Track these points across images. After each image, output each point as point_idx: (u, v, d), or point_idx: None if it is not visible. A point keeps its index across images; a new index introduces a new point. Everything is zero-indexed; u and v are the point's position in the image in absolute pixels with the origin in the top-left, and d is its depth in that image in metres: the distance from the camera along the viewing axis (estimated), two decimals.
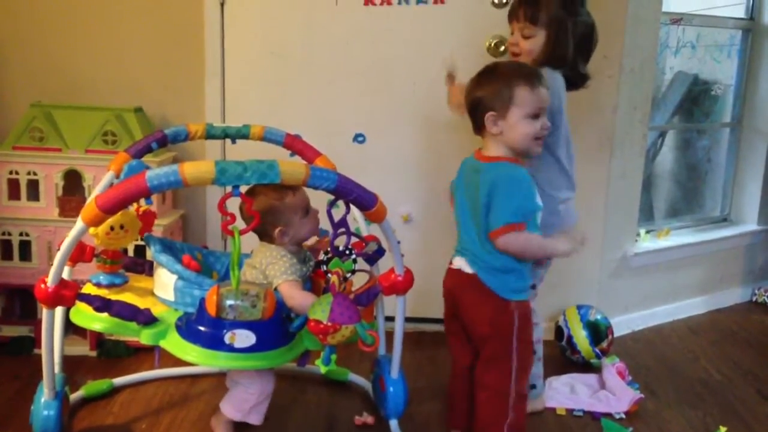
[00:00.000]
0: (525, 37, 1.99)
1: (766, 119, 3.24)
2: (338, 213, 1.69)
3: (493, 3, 2.56)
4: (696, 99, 3.45)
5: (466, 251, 1.81)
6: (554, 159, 1.99)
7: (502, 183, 1.71)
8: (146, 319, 1.69)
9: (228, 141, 2.20)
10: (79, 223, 1.56)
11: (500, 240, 1.71)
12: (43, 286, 1.65)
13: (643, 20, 2.62)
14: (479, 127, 1.79)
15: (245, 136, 2.17)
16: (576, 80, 2.04)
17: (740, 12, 3.25)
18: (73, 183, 2.44)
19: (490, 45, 2.58)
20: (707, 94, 3.45)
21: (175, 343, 1.65)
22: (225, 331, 1.58)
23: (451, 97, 2.19)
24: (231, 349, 1.58)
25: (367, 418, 2.11)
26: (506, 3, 2.51)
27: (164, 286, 1.81)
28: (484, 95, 1.75)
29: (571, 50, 1.98)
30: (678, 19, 3.04)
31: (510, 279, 1.77)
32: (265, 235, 1.87)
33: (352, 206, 1.67)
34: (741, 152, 3.34)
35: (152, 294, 1.86)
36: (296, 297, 1.73)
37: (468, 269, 1.80)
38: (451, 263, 1.87)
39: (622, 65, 2.59)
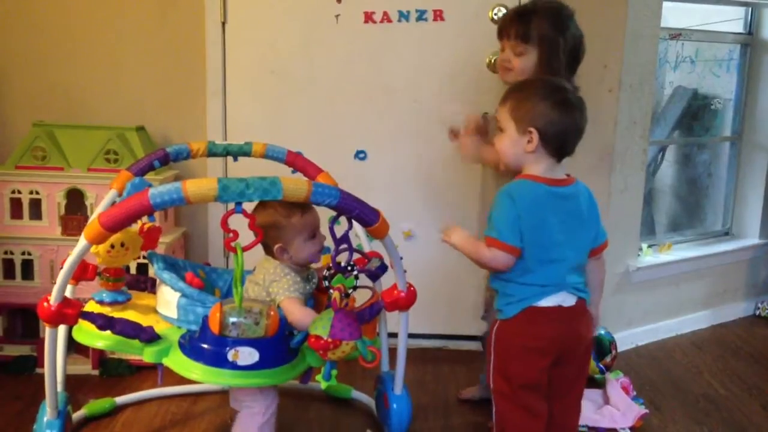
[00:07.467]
0: (517, 55, 1.99)
1: (766, 133, 3.25)
2: (340, 229, 1.69)
3: (492, 19, 2.58)
4: (696, 113, 3.46)
5: (566, 284, 1.65)
6: None
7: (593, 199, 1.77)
8: (149, 336, 1.69)
9: (230, 159, 2.21)
10: (82, 242, 1.56)
11: (604, 252, 1.73)
12: (45, 304, 1.64)
13: (642, 36, 2.63)
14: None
15: (247, 154, 2.18)
16: None
17: (739, 27, 3.28)
18: (76, 202, 2.44)
19: (490, 61, 2.59)
20: (707, 109, 3.46)
21: (178, 361, 1.65)
22: (228, 348, 1.57)
23: (462, 150, 2.10)
24: (234, 366, 1.57)
25: None
26: None
27: (167, 304, 1.80)
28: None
29: (563, 66, 1.98)
30: (677, 34, 3.06)
31: None
32: (268, 249, 1.87)
33: (354, 222, 1.67)
34: (741, 166, 3.35)
35: (155, 311, 1.86)
36: (295, 313, 1.73)
37: (572, 300, 1.66)
38: (544, 307, 1.63)
39: (622, 80, 2.60)
